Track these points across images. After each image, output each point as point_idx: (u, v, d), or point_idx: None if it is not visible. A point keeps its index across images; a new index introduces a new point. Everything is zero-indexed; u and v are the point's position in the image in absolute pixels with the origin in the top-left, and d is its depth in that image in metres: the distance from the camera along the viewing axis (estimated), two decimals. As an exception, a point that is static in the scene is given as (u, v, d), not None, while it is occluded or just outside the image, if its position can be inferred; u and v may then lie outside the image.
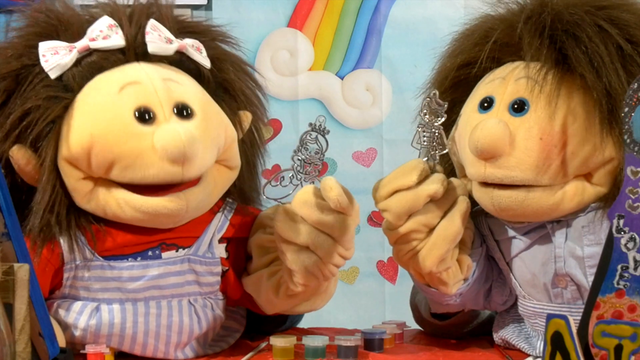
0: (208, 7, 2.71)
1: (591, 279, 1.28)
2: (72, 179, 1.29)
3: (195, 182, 1.31)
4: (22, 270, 0.98)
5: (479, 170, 1.29)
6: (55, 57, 1.29)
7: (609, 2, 1.31)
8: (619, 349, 1.03)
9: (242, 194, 1.42)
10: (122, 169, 1.27)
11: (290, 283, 1.30)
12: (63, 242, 1.31)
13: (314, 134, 1.29)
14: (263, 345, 1.44)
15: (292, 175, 1.30)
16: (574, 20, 1.29)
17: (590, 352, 1.05)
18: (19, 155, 1.29)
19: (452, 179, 1.31)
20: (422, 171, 1.28)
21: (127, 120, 1.27)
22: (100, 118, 1.27)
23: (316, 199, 1.25)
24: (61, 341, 1.25)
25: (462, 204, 1.29)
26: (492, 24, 1.37)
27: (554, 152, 1.26)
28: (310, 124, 1.30)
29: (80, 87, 1.30)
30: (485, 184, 1.31)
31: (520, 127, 1.28)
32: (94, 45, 1.31)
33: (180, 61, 1.36)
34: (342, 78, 2.72)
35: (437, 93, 1.29)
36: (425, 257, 1.28)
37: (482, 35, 1.37)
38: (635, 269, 1.05)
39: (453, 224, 1.28)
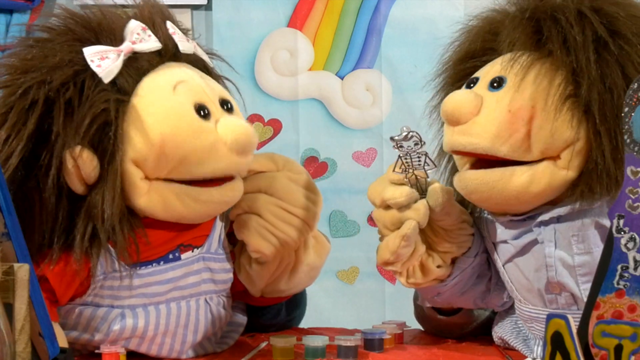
0: (208, 7, 2.71)
1: (583, 287, 1.29)
2: (136, 177, 1.29)
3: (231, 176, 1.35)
4: (22, 270, 0.98)
5: (449, 138, 1.33)
6: (105, 61, 1.30)
7: None
8: (619, 349, 1.03)
9: None
10: (193, 165, 1.30)
11: (250, 252, 1.36)
12: (95, 256, 1.30)
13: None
14: (263, 345, 1.44)
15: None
16: (557, 5, 1.32)
17: (590, 352, 1.05)
18: (86, 157, 1.27)
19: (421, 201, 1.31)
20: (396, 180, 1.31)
21: (192, 117, 1.30)
22: (165, 117, 1.30)
23: None
24: (61, 341, 1.25)
25: (407, 225, 1.29)
26: (492, 16, 1.40)
27: (519, 123, 1.28)
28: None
29: (132, 89, 1.31)
30: (462, 172, 1.34)
31: (493, 100, 1.30)
32: (137, 48, 1.33)
33: (194, 61, 1.39)
34: (342, 78, 2.72)
35: (406, 128, 1.30)
36: (380, 247, 1.33)
37: (482, 28, 1.40)
38: (635, 269, 1.05)
39: (400, 230, 1.30)
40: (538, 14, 1.32)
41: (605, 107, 1.26)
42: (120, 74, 1.30)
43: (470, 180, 1.31)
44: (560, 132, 1.28)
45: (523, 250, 1.35)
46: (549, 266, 1.32)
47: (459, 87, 1.40)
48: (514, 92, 1.29)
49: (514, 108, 1.29)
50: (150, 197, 1.30)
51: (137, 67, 1.32)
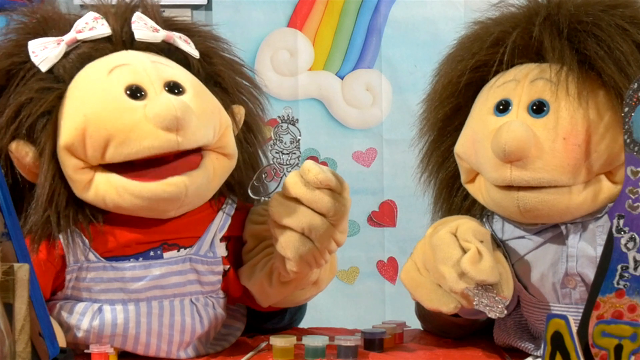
0: (208, 7, 2.71)
1: None
2: (70, 168, 1.29)
3: (194, 165, 1.30)
4: (22, 270, 0.98)
5: (503, 174, 1.28)
6: (44, 51, 1.31)
7: (620, 0, 1.31)
8: (619, 349, 1.03)
9: (242, 189, 1.42)
10: (118, 145, 1.27)
11: (282, 270, 1.31)
12: (64, 243, 1.31)
13: (284, 126, 1.31)
14: (263, 345, 1.44)
15: (274, 168, 1.32)
16: (591, 21, 1.29)
17: (590, 352, 1.05)
18: (18, 149, 1.30)
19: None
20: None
21: (119, 97, 1.28)
22: (91, 99, 1.29)
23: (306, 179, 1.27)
24: (61, 341, 1.25)
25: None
26: (504, 27, 1.36)
27: (578, 151, 1.27)
28: (280, 117, 1.32)
29: (71, 77, 1.31)
30: (508, 187, 1.30)
31: (542, 128, 1.28)
32: (81, 36, 1.33)
33: (168, 51, 1.37)
34: (342, 78, 2.72)
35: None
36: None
37: (496, 38, 1.36)
38: (635, 269, 1.05)
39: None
40: (574, 31, 1.29)
41: None
42: (60, 62, 1.31)
43: (530, 198, 1.28)
44: (618, 153, 1.27)
45: (542, 244, 1.34)
46: (569, 257, 1.31)
47: (456, 99, 1.39)
48: (563, 117, 1.27)
49: (569, 136, 1.27)
50: (90, 190, 1.29)
51: (80, 54, 1.32)
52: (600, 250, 1.28)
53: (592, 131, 1.27)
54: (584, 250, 1.31)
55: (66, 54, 1.32)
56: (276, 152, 1.31)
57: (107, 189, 1.29)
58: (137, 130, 1.26)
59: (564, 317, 1.05)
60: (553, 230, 1.34)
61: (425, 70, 1.46)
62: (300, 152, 1.31)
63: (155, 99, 1.28)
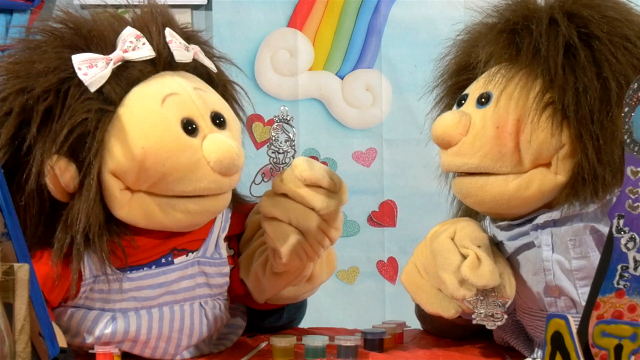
0: (208, 7, 2.71)
1: (581, 291, 1.30)
2: (115, 189, 1.28)
3: None
4: (22, 270, 0.98)
5: (442, 161, 1.36)
6: (93, 69, 1.28)
7: (584, 13, 1.32)
8: (619, 349, 1.03)
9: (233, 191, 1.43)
10: (173, 182, 1.28)
11: (273, 261, 1.32)
12: (75, 263, 1.30)
13: (280, 125, 1.33)
14: (263, 345, 1.44)
15: (271, 168, 1.33)
16: (530, 15, 1.32)
17: (590, 352, 1.05)
18: (63, 167, 1.27)
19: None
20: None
21: (177, 133, 1.28)
22: (149, 131, 1.27)
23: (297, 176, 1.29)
24: (61, 341, 1.25)
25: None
26: (478, 29, 1.40)
27: (507, 138, 1.30)
28: (276, 116, 1.33)
29: (120, 99, 1.29)
30: (458, 175, 1.35)
31: (480, 117, 1.31)
32: (128, 56, 1.30)
33: (194, 67, 1.37)
34: (342, 78, 2.72)
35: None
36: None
37: (469, 42, 1.41)
38: (635, 269, 1.05)
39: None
40: (511, 25, 1.33)
41: (582, 110, 1.27)
42: (108, 82, 1.28)
43: (465, 184, 1.33)
44: (545, 140, 1.29)
45: (517, 252, 1.35)
46: (546, 270, 1.32)
47: (454, 100, 1.40)
48: (499, 107, 1.30)
49: (501, 124, 1.30)
50: (131, 208, 1.29)
51: (128, 76, 1.30)
52: (575, 263, 1.31)
53: (522, 122, 1.29)
54: (560, 263, 1.31)
55: (113, 74, 1.29)
56: (272, 152, 1.32)
57: (149, 207, 1.29)
58: (196, 172, 1.28)
59: (564, 317, 1.05)
60: (523, 238, 1.35)
61: (425, 70, 1.47)
62: (294, 151, 1.32)
63: (211, 138, 1.29)
